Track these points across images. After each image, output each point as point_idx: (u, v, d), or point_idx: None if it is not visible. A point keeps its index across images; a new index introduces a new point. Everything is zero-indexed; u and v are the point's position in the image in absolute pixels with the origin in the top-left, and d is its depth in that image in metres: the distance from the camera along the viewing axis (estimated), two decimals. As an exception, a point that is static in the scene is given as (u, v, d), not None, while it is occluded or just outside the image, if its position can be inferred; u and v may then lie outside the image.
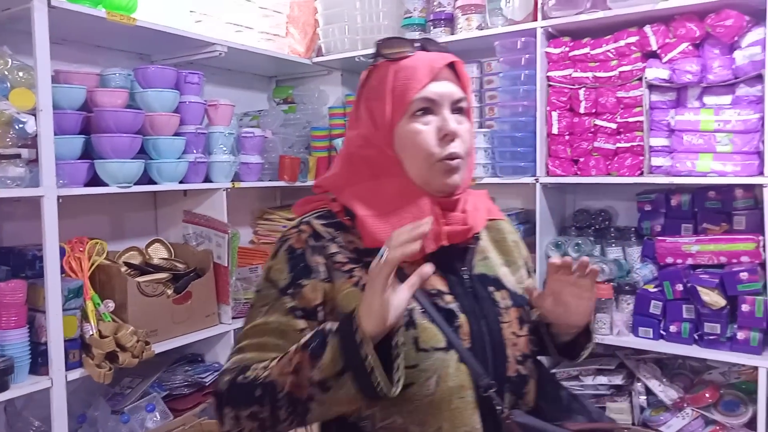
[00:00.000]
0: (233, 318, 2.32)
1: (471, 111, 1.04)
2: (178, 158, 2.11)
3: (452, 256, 0.98)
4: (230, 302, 2.30)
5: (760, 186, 1.83)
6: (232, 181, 2.36)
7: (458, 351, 0.90)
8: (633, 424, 2.05)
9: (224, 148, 2.31)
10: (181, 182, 2.16)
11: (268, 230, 2.86)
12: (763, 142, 1.83)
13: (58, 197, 1.73)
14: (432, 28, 2.48)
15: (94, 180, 1.94)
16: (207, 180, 2.29)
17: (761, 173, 1.83)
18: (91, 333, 1.83)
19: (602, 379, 2.14)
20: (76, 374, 1.79)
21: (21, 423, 1.86)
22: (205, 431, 2.10)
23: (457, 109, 0.97)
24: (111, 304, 1.93)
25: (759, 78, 1.85)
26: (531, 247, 2.23)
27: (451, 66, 0.98)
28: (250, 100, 2.94)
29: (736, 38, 1.89)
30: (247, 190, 2.44)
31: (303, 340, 0.84)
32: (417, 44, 0.98)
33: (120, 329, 1.84)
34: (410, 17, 2.54)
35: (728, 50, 1.92)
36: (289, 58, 2.67)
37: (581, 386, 2.16)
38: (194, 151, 2.19)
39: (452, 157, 0.94)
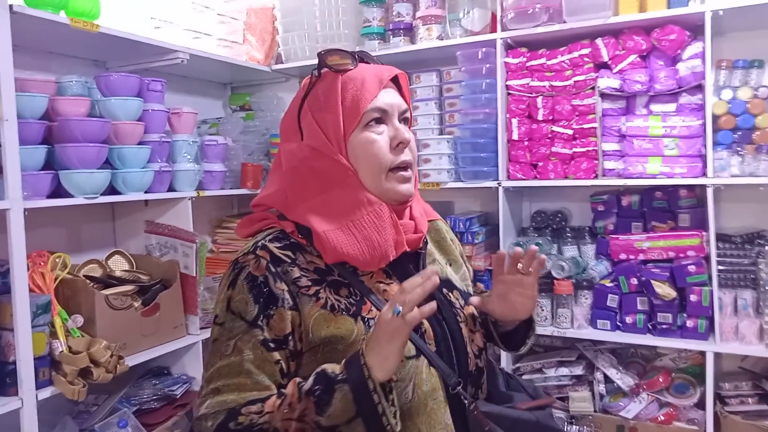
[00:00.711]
0: (201, 328, 2.29)
1: (411, 121, 1.09)
2: (144, 167, 2.06)
3: (405, 263, 1.01)
4: (198, 312, 2.26)
5: (704, 186, 2.00)
6: (196, 189, 2.33)
7: (427, 356, 0.95)
8: (594, 411, 2.19)
9: (188, 157, 2.28)
10: (146, 192, 2.11)
11: (227, 239, 2.83)
12: (705, 146, 2.01)
13: (24, 210, 1.66)
14: (392, 37, 2.55)
15: (57, 191, 1.87)
16: (171, 189, 2.25)
17: (704, 174, 2.01)
18: (61, 349, 1.76)
19: (564, 371, 2.27)
20: (47, 393, 1.71)
21: (-17, 448, 1.77)
22: (178, 445, 2.07)
23: (403, 119, 1.01)
24: (80, 319, 1.86)
25: (699, 87, 2.03)
26: (494, 247, 2.34)
27: (392, 78, 1.02)
28: (206, 108, 2.89)
29: (678, 51, 2.06)
30: (205, 198, 2.41)
31: (305, 387, 0.84)
32: (356, 57, 1.01)
33: (93, 344, 1.78)
34: (369, 26, 2.59)
35: (672, 62, 2.09)
36: (249, 66, 2.66)
37: (544, 378, 2.27)
38: (158, 160, 2.15)
39: (405, 164, 0.98)
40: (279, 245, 0.95)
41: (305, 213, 0.95)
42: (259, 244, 0.95)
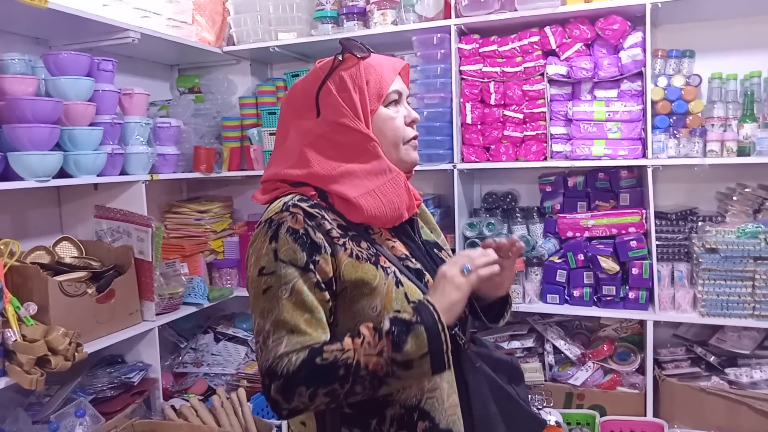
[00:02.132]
0: (157, 314, 2.26)
1: None
2: (96, 150, 2.00)
3: (404, 225, 1.15)
4: (155, 298, 2.22)
5: (644, 167, 2.15)
6: (149, 173, 2.27)
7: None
8: (545, 380, 2.32)
9: (141, 139, 2.22)
10: (98, 175, 2.05)
11: (178, 224, 2.78)
12: (644, 129, 2.15)
13: (-27, 193, 1.59)
14: (345, 21, 2.56)
15: (4, 174, 1.79)
16: (123, 172, 2.19)
17: (644, 156, 2.16)
18: (14, 338, 1.70)
19: (516, 344, 2.38)
20: (1, 383, 1.66)
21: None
22: (137, 431, 2.03)
23: (407, 102, 1.19)
24: (33, 307, 1.80)
25: (639, 75, 2.17)
26: (450, 228, 2.42)
27: None
28: (152, 89, 2.78)
29: (620, 40, 2.19)
30: (154, 183, 2.35)
31: (384, 328, 0.95)
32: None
33: (50, 332, 1.72)
34: (323, 9, 2.59)
35: (614, 50, 2.22)
36: (200, 47, 2.61)
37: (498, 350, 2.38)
38: (110, 142, 2.09)
39: (415, 137, 1.16)
40: (308, 204, 1.04)
41: (332, 182, 1.06)
42: (290, 203, 1.03)
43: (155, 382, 2.27)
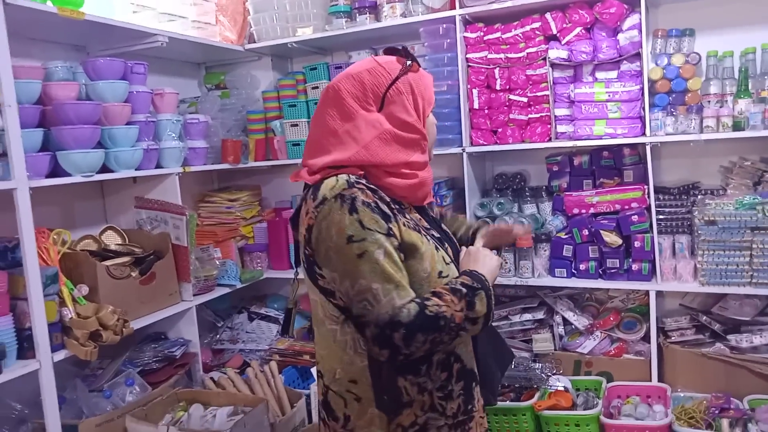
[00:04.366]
0: (194, 295, 2.47)
1: None
2: (133, 146, 2.21)
3: (422, 207, 1.34)
4: (191, 280, 2.44)
5: (643, 144, 2.25)
6: (182, 165, 2.48)
7: (456, 264, 1.30)
8: (555, 349, 2.45)
9: (173, 135, 2.42)
10: (136, 169, 2.26)
11: (211, 212, 2.99)
12: (643, 108, 2.24)
13: (30, 189, 1.80)
14: (358, 15, 2.70)
15: (53, 171, 2.01)
16: (158, 166, 2.40)
17: (643, 134, 2.25)
18: (70, 316, 1.93)
19: (527, 316, 2.52)
20: (60, 355, 1.88)
21: (2, 408, 1.93)
22: (180, 399, 2.26)
23: None
24: (85, 288, 2.02)
25: (637, 56, 2.26)
26: (461, 208, 2.56)
27: None
28: (181, 87, 2.99)
29: (618, 23, 2.28)
30: (187, 174, 2.54)
31: (462, 291, 1.16)
32: None
33: (101, 309, 1.95)
34: (336, 5, 2.74)
35: (613, 33, 2.31)
36: (223, 46, 2.79)
37: (510, 324, 2.53)
38: (146, 139, 2.30)
39: None
40: (363, 183, 1.18)
41: (392, 168, 1.21)
42: (352, 180, 1.16)
43: (195, 355, 2.49)
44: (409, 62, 1.25)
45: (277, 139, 2.92)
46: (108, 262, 2.16)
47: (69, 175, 2.01)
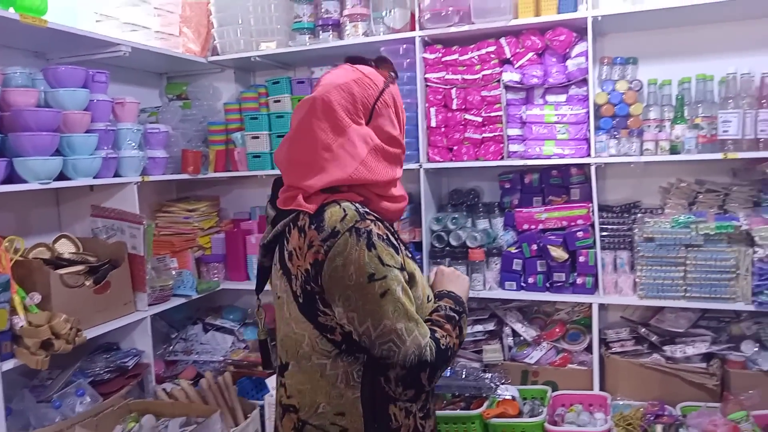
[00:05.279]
0: (149, 305, 2.46)
1: None
2: (92, 154, 2.21)
3: None
4: (147, 289, 2.43)
5: (589, 165, 2.38)
6: (141, 175, 2.48)
7: None
8: (504, 359, 2.54)
9: (132, 144, 2.43)
10: (94, 177, 2.25)
11: (168, 222, 2.98)
12: (589, 130, 2.38)
13: (-16, 195, 1.79)
14: (321, 32, 2.78)
15: (9, 177, 1.99)
16: (116, 175, 2.40)
17: (589, 155, 2.38)
18: (21, 324, 1.91)
19: (479, 328, 2.60)
20: (10, 364, 1.86)
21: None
22: (132, 410, 2.25)
23: None
24: (37, 297, 2.00)
25: (584, 81, 2.40)
26: (417, 223, 2.64)
27: None
28: (142, 97, 2.99)
29: (567, 50, 2.42)
30: (145, 184, 2.54)
31: (455, 318, 1.18)
32: None
33: (53, 318, 1.93)
34: (300, 21, 2.80)
35: (562, 59, 2.45)
36: (187, 57, 2.81)
37: (462, 335, 2.60)
38: (105, 147, 2.30)
39: None
40: (371, 213, 1.14)
41: (385, 189, 1.18)
42: (361, 211, 1.11)
43: (148, 366, 2.48)
44: (393, 73, 1.21)
45: (237, 150, 2.95)
46: (62, 271, 2.14)
47: (25, 182, 1.99)
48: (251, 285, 2.90)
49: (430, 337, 1.10)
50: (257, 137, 2.88)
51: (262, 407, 2.44)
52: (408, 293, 1.10)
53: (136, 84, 2.99)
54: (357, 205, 1.12)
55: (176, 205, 3.01)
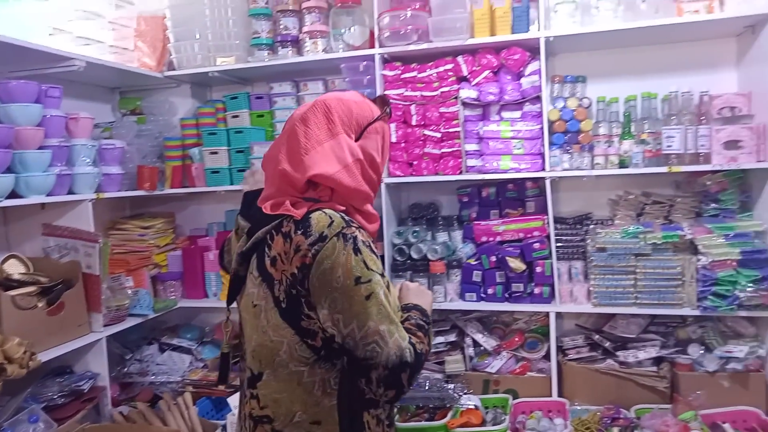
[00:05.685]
0: (105, 325, 2.39)
1: None
2: (45, 171, 2.14)
3: None
4: (103, 310, 2.36)
5: (544, 178, 2.48)
6: (95, 192, 2.42)
7: None
8: (465, 369, 2.59)
9: (87, 160, 2.37)
10: (48, 195, 2.18)
11: (122, 240, 2.90)
12: (543, 146, 2.47)
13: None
14: (280, 48, 2.79)
15: (-44, 196, 1.91)
16: (70, 192, 2.33)
17: (543, 169, 2.48)
18: (-29, 349, 1.82)
19: (440, 339, 2.65)
20: (-41, 391, 1.77)
21: None
22: (88, 436, 2.17)
23: None
24: (-12, 320, 1.92)
25: (538, 98, 2.49)
26: (379, 236, 2.67)
27: None
28: (94, 111, 2.89)
29: (521, 68, 2.52)
30: (98, 201, 2.46)
31: (425, 327, 1.22)
32: None
33: (6, 341, 1.85)
34: (259, 37, 2.81)
35: (517, 77, 2.55)
36: (142, 72, 2.76)
37: (425, 347, 2.64)
38: (59, 164, 2.23)
39: None
40: (354, 222, 1.20)
41: (363, 201, 1.24)
42: (346, 218, 1.17)
43: (104, 389, 2.40)
44: (387, 109, 1.31)
45: (195, 166, 2.91)
46: (13, 292, 2.06)
47: (-27, 199, 1.92)
48: (209, 303, 2.94)
49: (409, 342, 1.15)
50: (216, 152, 2.85)
51: (224, 427, 2.39)
52: (389, 298, 1.16)
53: (87, 99, 2.92)
54: (341, 213, 1.18)
55: (130, 222, 2.94)
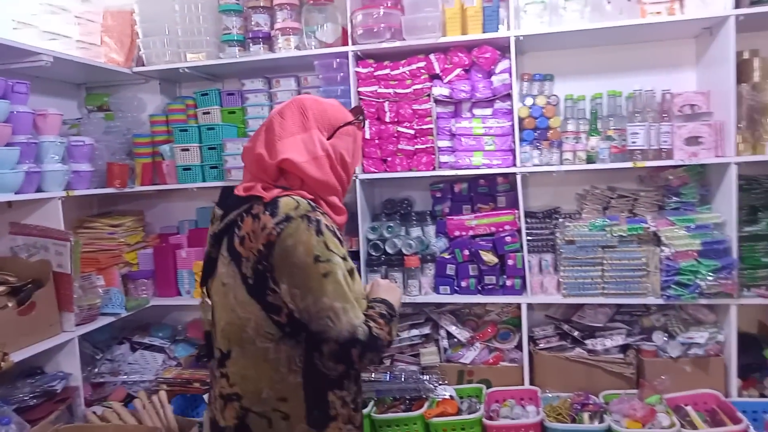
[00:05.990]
0: (76, 325, 2.35)
1: None
2: (13, 169, 2.09)
3: None
4: (74, 309, 2.32)
5: (514, 174, 2.54)
6: (65, 189, 2.37)
7: None
8: (440, 361, 2.64)
9: (56, 157, 2.32)
10: (16, 193, 2.13)
11: (91, 238, 2.85)
12: (514, 142, 2.54)
13: None
14: (251, 45, 2.78)
15: None
16: (39, 190, 2.28)
17: (514, 165, 2.55)
18: (-60, 352, 1.78)
19: (415, 332, 2.69)
20: (-71, 395, 1.73)
21: None
22: (62, 437, 2.13)
23: None
24: (-43, 321, 1.87)
25: (509, 96, 2.56)
26: (354, 231, 2.70)
27: None
28: (61, 108, 2.82)
29: (492, 67, 2.57)
30: (65, 199, 2.40)
31: (388, 316, 1.27)
32: None
33: (-22, 343, 1.81)
34: (230, 34, 2.79)
35: (488, 75, 2.60)
36: (111, 68, 2.72)
37: (399, 340, 2.68)
38: (27, 162, 2.18)
39: None
40: (319, 209, 1.27)
41: (330, 193, 1.32)
42: (313, 204, 1.25)
43: (77, 389, 2.36)
44: (361, 117, 1.40)
45: (165, 163, 2.88)
46: (-19, 293, 2.01)
47: (-60, 198, 1.86)
48: (182, 301, 2.92)
49: (364, 323, 1.21)
50: (187, 149, 2.83)
51: (200, 425, 2.39)
52: (348, 280, 1.22)
53: (53, 95, 2.86)
54: (309, 200, 1.26)
55: (98, 220, 2.89)
